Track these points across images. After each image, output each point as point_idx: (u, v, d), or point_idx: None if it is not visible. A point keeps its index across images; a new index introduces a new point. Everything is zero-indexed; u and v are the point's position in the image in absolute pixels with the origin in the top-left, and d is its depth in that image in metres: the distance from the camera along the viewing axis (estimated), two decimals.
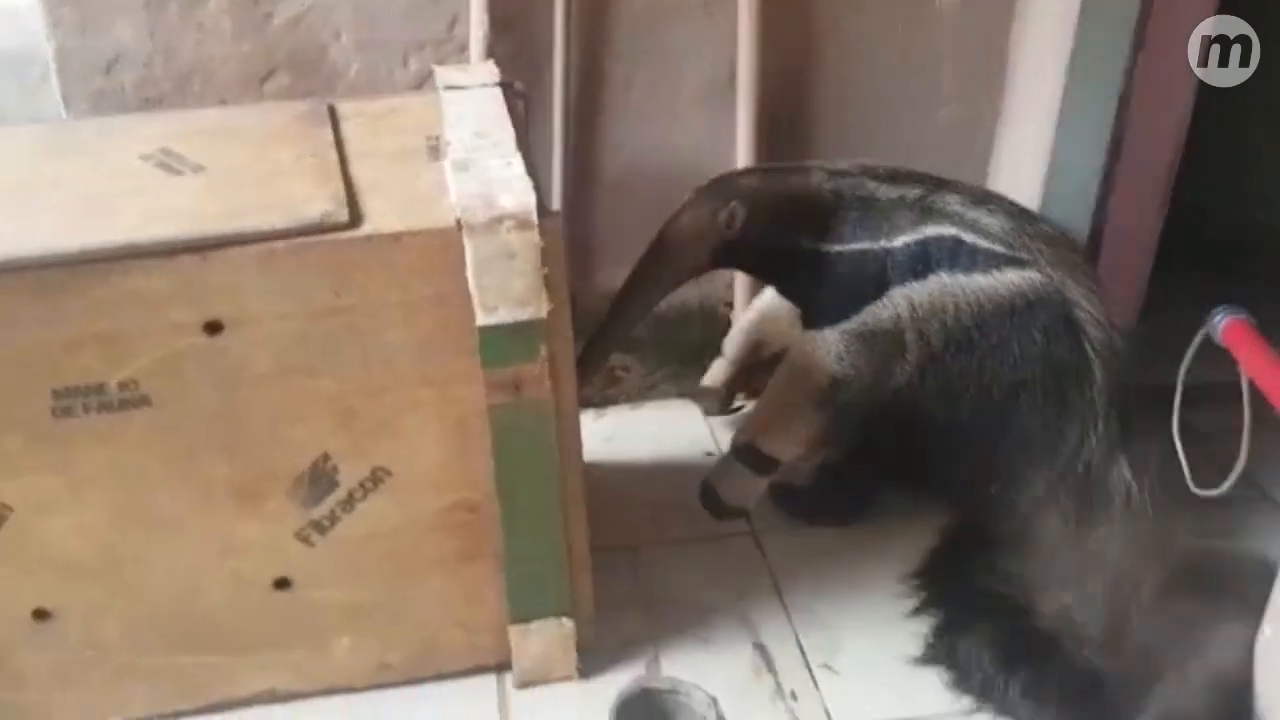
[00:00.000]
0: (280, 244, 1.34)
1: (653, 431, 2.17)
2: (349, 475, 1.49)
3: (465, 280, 1.37)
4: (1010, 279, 1.71)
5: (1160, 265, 2.14)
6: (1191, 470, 1.55)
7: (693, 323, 2.21)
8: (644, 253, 1.79)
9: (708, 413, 2.11)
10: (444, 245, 1.37)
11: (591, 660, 1.66)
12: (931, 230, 1.72)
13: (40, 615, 1.48)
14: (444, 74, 1.70)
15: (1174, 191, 2.07)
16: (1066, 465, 1.76)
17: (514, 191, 1.38)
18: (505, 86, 1.69)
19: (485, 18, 1.83)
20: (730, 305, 2.18)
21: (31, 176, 1.49)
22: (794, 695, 1.65)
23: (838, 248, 1.74)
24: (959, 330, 1.72)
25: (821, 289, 1.77)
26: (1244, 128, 2.43)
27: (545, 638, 1.61)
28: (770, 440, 1.88)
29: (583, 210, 2.06)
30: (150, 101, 1.84)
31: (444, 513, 1.54)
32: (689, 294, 2.14)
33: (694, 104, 2.01)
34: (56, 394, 1.34)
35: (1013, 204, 1.82)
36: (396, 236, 1.37)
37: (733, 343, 2.12)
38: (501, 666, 1.65)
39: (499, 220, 1.35)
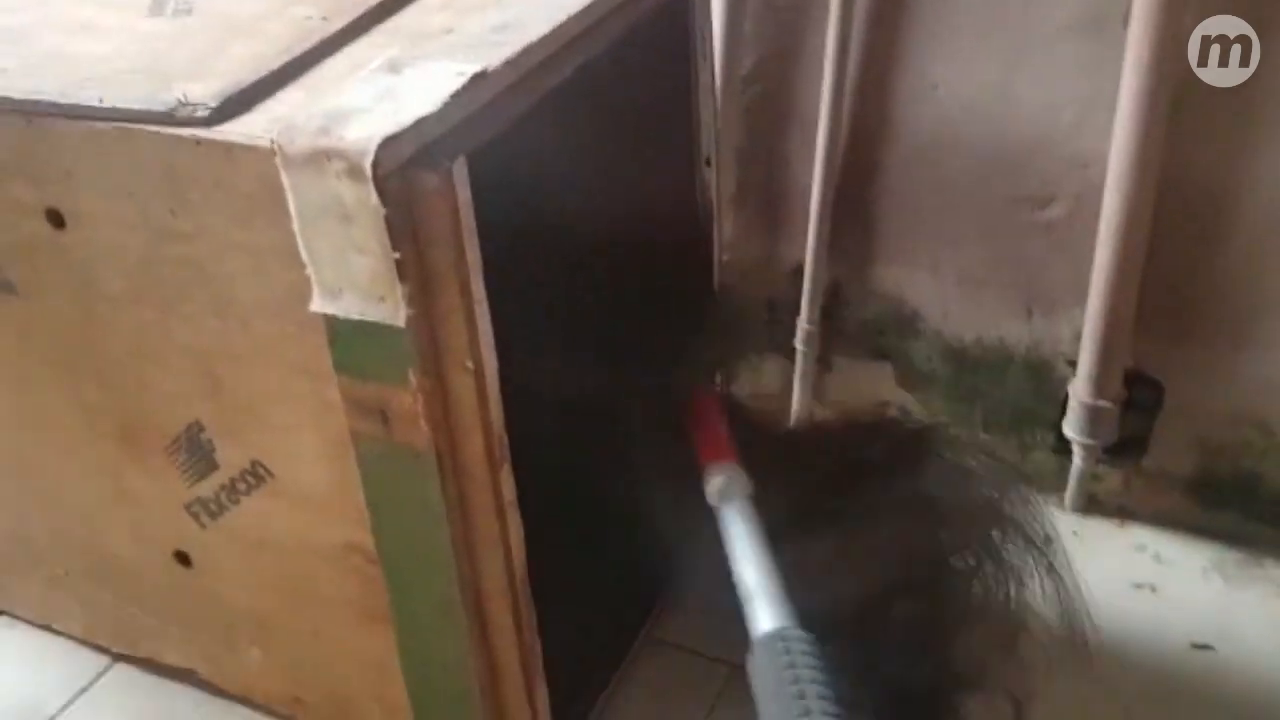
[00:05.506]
0: (103, 125, 0.94)
1: None
2: (227, 459, 1.09)
3: None
4: None
5: None
6: None
7: (1012, 374, 1.44)
8: None
9: None
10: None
11: None
12: None
13: None
14: None
15: None
16: None
17: (375, 116, 0.83)
18: None
19: None
20: (1073, 364, 1.38)
21: None
22: None
23: None
24: None
25: None
26: None
27: None
28: None
29: (857, 180, 1.38)
30: None
31: (339, 551, 1.08)
32: (1012, 331, 1.40)
33: (1060, 36, 1.21)
34: None
35: None
36: (227, 148, 0.89)
37: None
38: None
39: (324, 156, 0.81)
